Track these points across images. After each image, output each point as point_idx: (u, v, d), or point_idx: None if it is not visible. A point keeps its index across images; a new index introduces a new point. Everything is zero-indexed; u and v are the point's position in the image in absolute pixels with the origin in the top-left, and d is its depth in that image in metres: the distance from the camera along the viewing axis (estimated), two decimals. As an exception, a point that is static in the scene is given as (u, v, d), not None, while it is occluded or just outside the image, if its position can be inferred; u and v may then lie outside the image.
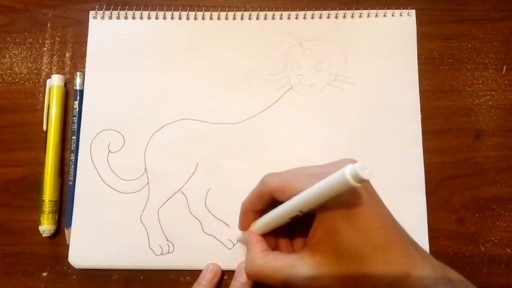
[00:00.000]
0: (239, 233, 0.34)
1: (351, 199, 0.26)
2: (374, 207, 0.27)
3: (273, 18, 0.40)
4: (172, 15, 0.41)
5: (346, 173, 0.22)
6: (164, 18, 0.41)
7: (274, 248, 0.32)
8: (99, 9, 0.41)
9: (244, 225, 0.33)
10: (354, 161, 0.24)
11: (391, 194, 0.37)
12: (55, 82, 0.39)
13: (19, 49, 0.41)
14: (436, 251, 0.36)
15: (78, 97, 0.39)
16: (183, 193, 0.37)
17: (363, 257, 0.26)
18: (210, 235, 0.37)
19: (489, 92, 0.40)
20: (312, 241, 0.28)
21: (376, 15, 0.40)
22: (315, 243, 0.28)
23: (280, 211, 0.29)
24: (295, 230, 0.33)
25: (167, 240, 0.37)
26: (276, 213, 0.29)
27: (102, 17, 0.41)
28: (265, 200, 0.30)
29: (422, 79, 0.39)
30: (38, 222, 0.37)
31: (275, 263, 0.29)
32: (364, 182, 0.23)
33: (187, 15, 0.41)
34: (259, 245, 0.31)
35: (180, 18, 0.41)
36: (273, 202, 0.30)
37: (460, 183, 0.38)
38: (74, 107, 0.39)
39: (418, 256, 0.27)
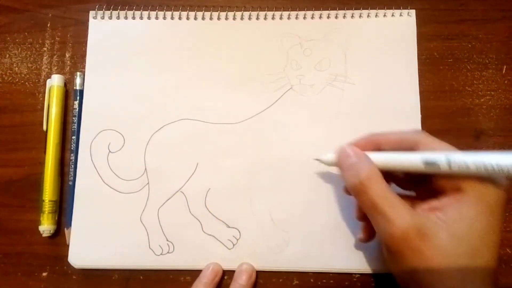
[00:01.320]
0: (329, 153, 0.32)
1: (504, 193, 0.26)
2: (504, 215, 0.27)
3: (273, 18, 0.40)
4: (172, 15, 0.41)
5: None
6: (164, 18, 0.41)
7: None
8: (99, 9, 0.41)
9: (359, 146, 0.31)
10: None
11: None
12: (55, 82, 0.39)
13: (19, 49, 0.41)
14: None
15: (78, 97, 0.39)
16: (183, 193, 0.37)
17: (475, 257, 0.25)
18: (210, 235, 0.37)
19: (489, 92, 0.40)
20: (436, 212, 0.27)
21: (376, 15, 0.40)
22: (440, 213, 0.26)
23: (425, 154, 0.27)
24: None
25: (167, 240, 0.37)
26: (414, 155, 0.27)
27: (102, 17, 0.41)
28: (402, 146, 0.29)
29: (422, 79, 0.39)
30: (38, 222, 0.37)
31: (392, 194, 0.27)
32: None
33: (187, 15, 0.41)
34: (374, 166, 0.28)
35: (180, 18, 0.41)
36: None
37: (460, 183, 0.38)
38: (74, 107, 0.39)
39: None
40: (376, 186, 0.27)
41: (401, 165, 0.28)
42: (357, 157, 0.29)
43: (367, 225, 0.32)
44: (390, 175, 0.31)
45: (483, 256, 0.26)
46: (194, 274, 0.36)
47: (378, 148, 0.31)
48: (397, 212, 0.26)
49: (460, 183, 0.26)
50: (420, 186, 0.30)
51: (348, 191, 0.31)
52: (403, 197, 0.28)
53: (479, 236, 0.26)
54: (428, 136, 0.29)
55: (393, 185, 0.32)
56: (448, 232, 0.26)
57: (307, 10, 0.40)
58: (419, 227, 0.26)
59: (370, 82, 0.39)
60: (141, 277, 0.36)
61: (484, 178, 0.25)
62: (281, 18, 0.40)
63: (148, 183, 0.38)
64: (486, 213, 0.26)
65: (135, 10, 0.40)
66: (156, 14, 0.41)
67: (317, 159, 0.33)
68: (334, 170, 0.37)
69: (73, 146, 0.38)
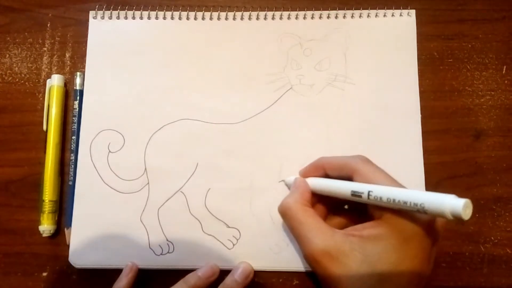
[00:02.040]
0: (290, 176, 0.36)
1: (422, 225, 0.27)
2: (430, 250, 0.28)
3: (273, 18, 0.40)
4: (172, 15, 0.41)
5: (446, 202, 0.23)
6: (164, 18, 0.41)
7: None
8: (99, 9, 0.41)
9: (307, 174, 0.35)
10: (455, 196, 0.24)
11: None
12: (55, 82, 0.39)
13: (19, 49, 0.41)
14: (436, 251, 0.36)
15: (78, 97, 0.39)
16: (183, 193, 0.37)
17: (384, 281, 0.27)
18: (210, 235, 0.37)
19: (489, 92, 0.40)
20: (355, 232, 0.29)
21: (376, 15, 0.40)
22: (357, 235, 0.28)
23: (351, 184, 0.30)
24: (332, 212, 0.34)
25: (167, 240, 0.37)
26: (345, 184, 0.30)
27: (102, 17, 0.41)
28: (343, 172, 0.31)
29: (422, 79, 0.39)
30: (38, 222, 0.37)
31: (310, 218, 0.30)
32: (457, 220, 0.23)
33: (187, 15, 0.41)
34: (306, 194, 0.33)
35: (180, 18, 0.41)
36: (345, 179, 0.31)
37: (460, 183, 0.38)
38: (74, 107, 0.39)
39: None
40: (296, 212, 0.31)
41: (334, 192, 0.31)
42: (294, 186, 0.34)
43: None
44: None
45: (394, 283, 0.27)
46: (194, 274, 0.36)
47: (324, 172, 0.34)
48: (310, 236, 0.29)
49: (383, 213, 0.28)
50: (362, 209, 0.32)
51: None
52: (340, 217, 0.33)
53: (391, 263, 0.27)
54: (366, 165, 0.31)
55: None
56: (361, 254, 0.27)
57: (307, 10, 0.40)
58: (330, 250, 0.28)
59: (370, 82, 0.39)
60: (141, 277, 0.36)
61: (403, 211, 0.27)
62: (281, 18, 0.40)
63: (148, 183, 0.37)
64: (399, 243, 0.27)
65: (135, 10, 0.40)
66: (156, 14, 0.41)
67: (283, 180, 0.37)
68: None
69: (73, 146, 0.38)
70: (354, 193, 0.29)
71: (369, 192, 0.27)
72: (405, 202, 0.25)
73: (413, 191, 0.25)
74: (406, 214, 0.27)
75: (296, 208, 0.31)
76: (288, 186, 0.37)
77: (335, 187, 0.31)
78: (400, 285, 0.27)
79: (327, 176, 0.33)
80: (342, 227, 0.32)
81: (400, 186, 0.29)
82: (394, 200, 0.26)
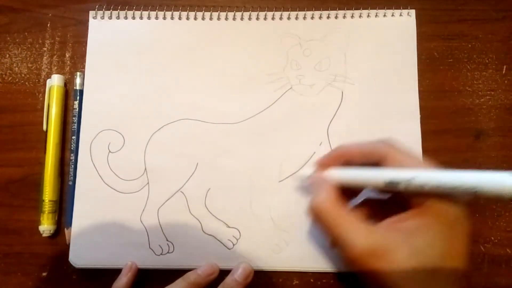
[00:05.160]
0: (305, 169, 0.34)
1: (465, 209, 0.26)
2: (470, 232, 0.27)
3: (273, 18, 0.40)
4: (172, 15, 0.41)
5: (508, 181, 0.21)
6: (164, 18, 0.41)
7: None
8: (99, 9, 0.41)
9: (326, 165, 0.32)
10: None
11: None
12: (55, 82, 0.39)
13: (19, 49, 0.41)
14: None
15: (78, 97, 0.39)
16: (183, 193, 0.37)
17: (435, 271, 0.26)
18: (210, 235, 0.37)
19: (489, 92, 0.40)
20: (397, 224, 0.27)
21: (376, 15, 0.40)
22: (400, 228, 0.27)
23: (388, 173, 0.27)
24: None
25: (167, 240, 0.37)
26: (378, 173, 0.28)
27: (102, 17, 0.41)
28: (369, 160, 0.29)
29: (422, 79, 0.39)
30: (38, 222, 0.37)
31: (347, 218, 0.28)
32: None
33: (187, 15, 0.41)
34: (334, 191, 0.30)
35: (180, 18, 0.41)
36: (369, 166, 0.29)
37: (460, 183, 0.38)
38: (74, 107, 0.39)
39: None
40: (331, 213, 0.29)
41: (364, 182, 0.29)
42: (316, 183, 0.31)
43: None
44: None
45: (447, 271, 0.26)
46: (194, 274, 0.36)
47: (347, 161, 0.31)
48: (351, 237, 0.27)
49: (423, 200, 0.27)
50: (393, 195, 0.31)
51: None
52: (373, 208, 0.31)
53: (441, 252, 0.26)
54: (396, 149, 0.29)
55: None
56: (408, 248, 0.26)
57: (307, 10, 0.40)
58: (375, 248, 0.27)
59: (370, 82, 0.39)
60: (141, 277, 0.36)
61: (444, 195, 0.26)
62: (281, 18, 0.40)
63: (148, 183, 0.38)
64: (446, 230, 0.26)
65: (135, 10, 0.41)
66: (156, 14, 0.41)
67: (296, 175, 0.35)
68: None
69: (73, 146, 0.38)
70: (391, 183, 0.26)
71: (409, 180, 0.25)
72: (454, 187, 0.23)
73: (461, 173, 0.24)
74: (447, 200, 0.26)
75: (329, 209, 0.29)
76: (303, 181, 0.34)
77: (366, 178, 0.29)
78: (452, 272, 0.26)
79: (348, 165, 0.31)
80: (366, 218, 0.31)
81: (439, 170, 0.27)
82: (439, 187, 0.24)
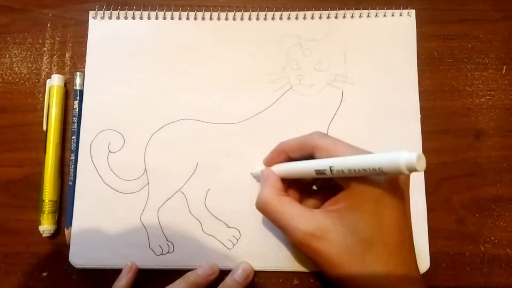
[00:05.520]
0: (256, 168, 0.36)
1: (387, 185, 0.28)
2: (403, 204, 0.29)
3: (273, 18, 0.40)
4: (172, 15, 0.41)
5: (401, 158, 0.23)
6: (164, 18, 0.41)
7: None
8: (99, 9, 0.41)
9: (271, 162, 0.35)
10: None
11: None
12: (55, 82, 0.39)
13: (19, 49, 0.41)
14: (436, 251, 0.36)
15: (78, 97, 0.39)
16: (183, 193, 0.37)
17: (370, 245, 0.28)
18: (210, 235, 0.37)
19: (489, 92, 0.40)
20: (331, 207, 0.30)
21: (376, 15, 0.40)
22: (333, 209, 0.29)
23: (313, 163, 0.30)
24: (306, 192, 0.35)
25: (167, 240, 0.37)
26: (307, 164, 0.31)
27: (102, 17, 0.41)
28: (304, 152, 0.32)
29: (422, 79, 0.39)
30: (38, 222, 0.37)
31: (288, 207, 0.31)
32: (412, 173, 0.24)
33: (187, 15, 0.41)
34: (277, 184, 0.33)
35: (180, 18, 0.41)
36: (308, 158, 0.31)
37: (460, 183, 0.38)
38: (74, 107, 0.39)
39: (415, 274, 0.29)
40: (274, 204, 0.31)
41: (299, 174, 0.32)
42: (262, 179, 0.34)
43: None
44: None
45: (381, 243, 0.28)
46: (194, 274, 0.36)
47: (287, 156, 0.34)
48: (293, 223, 0.30)
49: (349, 182, 0.29)
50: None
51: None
52: (315, 195, 0.34)
53: (371, 227, 0.28)
54: (324, 138, 0.31)
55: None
56: (343, 227, 0.28)
57: (307, 10, 0.40)
58: (314, 230, 0.29)
59: (370, 82, 0.39)
60: (141, 277, 0.36)
61: (363, 176, 0.28)
62: (281, 18, 0.40)
63: (148, 183, 0.38)
64: (372, 206, 0.28)
65: (135, 10, 0.41)
66: (156, 14, 0.41)
67: (251, 173, 0.37)
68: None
69: (73, 146, 0.38)
70: (318, 171, 0.29)
71: (330, 167, 0.28)
72: (364, 169, 0.26)
73: (369, 156, 0.26)
74: (370, 178, 0.28)
75: (272, 200, 0.31)
76: (256, 178, 0.37)
77: (298, 169, 0.32)
78: (386, 243, 0.28)
79: (290, 159, 0.34)
80: (319, 205, 0.33)
81: (361, 152, 0.29)
82: (355, 170, 0.26)
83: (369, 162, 0.25)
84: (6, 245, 0.37)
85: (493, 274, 0.36)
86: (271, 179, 0.33)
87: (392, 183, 0.28)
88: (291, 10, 0.40)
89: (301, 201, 0.34)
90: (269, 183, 0.33)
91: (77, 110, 0.39)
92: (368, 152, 0.28)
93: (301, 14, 0.40)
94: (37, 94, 0.40)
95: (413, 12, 0.40)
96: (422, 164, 0.23)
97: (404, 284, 0.28)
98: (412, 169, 0.23)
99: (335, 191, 0.31)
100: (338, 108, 0.39)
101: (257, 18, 0.40)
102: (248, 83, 0.39)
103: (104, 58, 0.40)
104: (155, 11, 0.41)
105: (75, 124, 0.38)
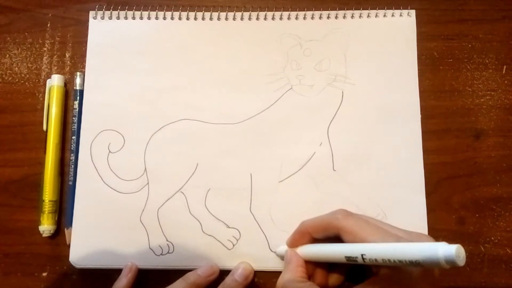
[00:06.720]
0: (281, 246, 0.35)
1: (421, 277, 0.26)
2: None
3: (273, 18, 0.40)
4: (172, 15, 0.41)
5: (439, 251, 0.22)
6: (164, 18, 0.41)
7: (310, 274, 0.32)
8: (99, 9, 0.41)
9: (294, 243, 0.34)
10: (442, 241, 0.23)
11: (391, 194, 0.37)
12: (55, 82, 0.39)
13: (19, 49, 0.41)
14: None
15: (78, 97, 0.39)
16: (183, 193, 0.37)
17: None
18: (210, 235, 0.37)
19: (489, 92, 0.40)
20: (364, 285, 0.28)
21: (376, 15, 0.40)
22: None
23: (343, 249, 0.29)
24: (333, 265, 0.33)
25: (167, 240, 0.37)
26: (337, 249, 0.29)
27: (102, 17, 0.41)
28: (328, 233, 0.31)
29: (422, 79, 0.39)
30: (38, 222, 0.37)
31: None
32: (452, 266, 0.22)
33: (187, 15, 0.41)
34: (299, 269, 0.32)
35: (180, 18, 0.41)
36: (333, 238, 0.30)
37: (460, 183, 0.38)
38: (74, 107, 0.39)
39: None
40: None
41: (328, 259, 0.31)
42: (286, 261, 0.33)
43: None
44: None
45: None
46: (194, 274, 0.36)
47: (311, 236, 0.33)
48: None
49: (379, 268, 0.28)
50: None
51: None
52: (341, 267, 0.33)
53: None
54: (349, 220, 0.30)
55: None
56: None
57: (307, 10, 0.40)
58: None
59: (370, 82, 0.39)
60: (141, 277, 0.36)
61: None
62: (281, 18, 0.40)
63: (148, 183, 0.38)
64: None
65: (135, 10, 0.40)
66: (156, 14, 0.41)
67: (275, 251, 0.36)
68: (330, 171, 0.37)
69: (73, 146, 0.38)
70: (349, 258, 0.28)
71: (362, 255, 0.27)
72: (400, 261, 0.24)
73: (404, 246, 0.25)
74: (400, 269, 0.27)
75: (292, 287, 0.30)
76: (280, 256, 0.36)
77: (327, 254, 0.30)
78: None
79: (314, 240, 0.33)
80: (343, 280, 0.33)
81: (390, 235, 0.28)
82: (389, 260, 0.25)
83: (405, 253, 0.24)
84: (6, 245, 0.38)
85: (493, 274, 0.36)
86: (293, 263, 0.32)
87: (426, 275, 0.27)
88: (291, 10, 0.40)
89: (328, 277, 0.33)
90: (291, 268, 0.32)
91: (77, 110, 0.39)
92: (399, 236, 0.27)
93: (301, 14, 0.40)
94: (37, 94, 0.40)
95: (413, 12, 0.40)
96: (462, 258, 0.21)
97: None
98: (452, 263, 0.21)
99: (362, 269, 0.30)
100: (338, 108, 0.39)
101: (257, 18, 0.40)
102: (248, 83, 0.39)
103: (104, 58, 0.40)
104: (155, 11, 0.41)
105: (75, 124, 0.38)
